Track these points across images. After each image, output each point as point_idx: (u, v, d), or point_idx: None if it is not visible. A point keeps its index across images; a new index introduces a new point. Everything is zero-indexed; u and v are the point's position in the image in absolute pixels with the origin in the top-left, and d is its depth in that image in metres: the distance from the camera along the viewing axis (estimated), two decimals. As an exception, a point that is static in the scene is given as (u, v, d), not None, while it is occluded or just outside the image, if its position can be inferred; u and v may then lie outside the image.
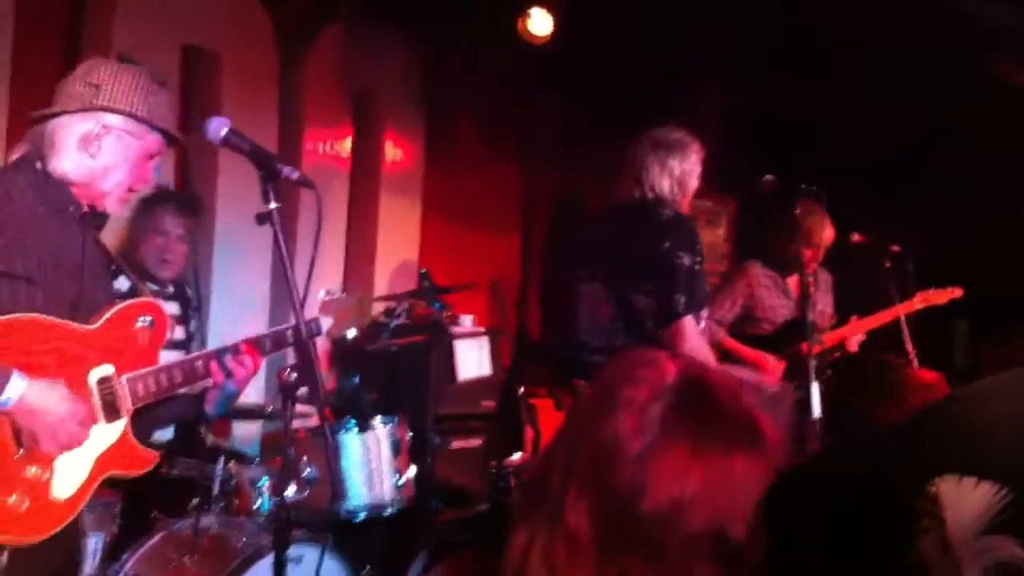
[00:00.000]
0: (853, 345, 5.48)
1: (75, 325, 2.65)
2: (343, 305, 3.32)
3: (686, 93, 6.82)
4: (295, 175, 2.60)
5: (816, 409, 4.35)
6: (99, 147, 2.66)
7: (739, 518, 1.15)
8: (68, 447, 2.56)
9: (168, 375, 2.78)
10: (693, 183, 3.99)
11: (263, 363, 3.01)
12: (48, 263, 2.61)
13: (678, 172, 3.95)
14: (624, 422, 1.18)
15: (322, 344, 3.64)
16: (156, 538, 3.56)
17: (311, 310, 2.74)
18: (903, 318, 5.32)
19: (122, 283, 3.31)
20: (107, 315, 2.73)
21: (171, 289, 4.20)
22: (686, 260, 3.84)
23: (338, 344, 4.10)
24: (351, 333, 3.38)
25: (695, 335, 3.86)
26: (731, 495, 1.15)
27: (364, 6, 5.78)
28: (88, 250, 2.76)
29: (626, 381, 1.22)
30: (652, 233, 3.85)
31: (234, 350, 2.87)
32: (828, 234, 5.35)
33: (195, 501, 3.62)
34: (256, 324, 5.34)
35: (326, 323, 3.24)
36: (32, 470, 2.52)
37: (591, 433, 1.19)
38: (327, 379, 5.05)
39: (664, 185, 3.94)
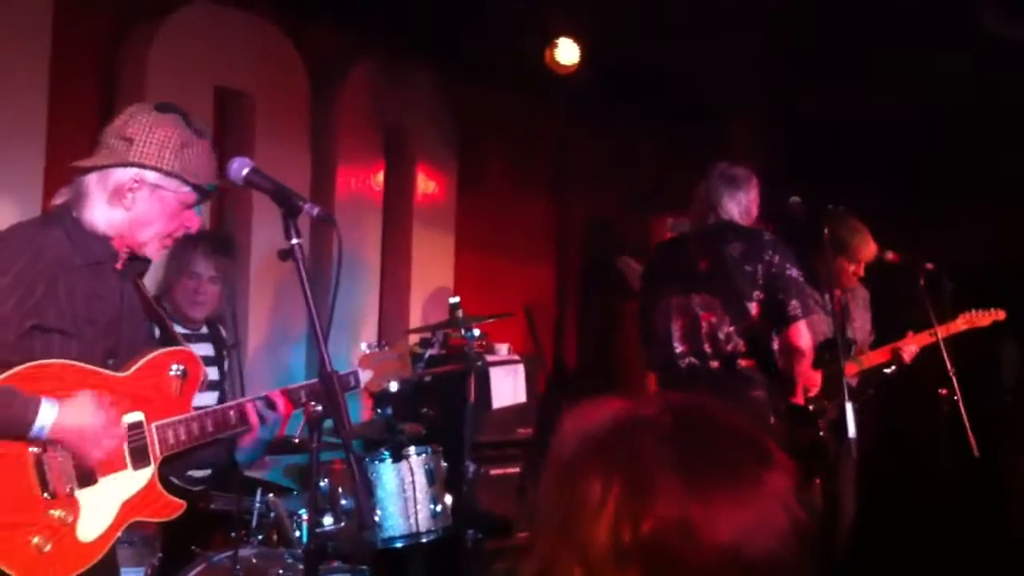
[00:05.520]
0: (907, 356, 5.41)
1: (107, 372, 2.70)
2: (384, 359, 3.35)
3: (717, 122, 6.85)
4: (315, 211, 2.64)
5: (851, 429, 4.37)
6: (133, 199, 2.69)
7: (785, 535, 1.11)
8: (111, 453, 2.62)
9: (199, 424, 2.81)
10: (755, 211, 4.66)
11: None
12: (82, 315, 2.65)
13: (744, 202, 4.60)
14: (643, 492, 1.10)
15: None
16: (196, 571, 3.61)
17: (335, 343, 2.77)
18: (941, 340, 5.26)
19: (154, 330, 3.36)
20: (140, 363, 2.78)
21: (205, 330, 4.23)
22: (794, 272, 4.50)
23: (378, 396, 4.13)
24: (393, 387, 3.40)
25: (809, 336, 4.46)
26: (768, 517, 1.10)
27: (394, 42, 5.86)
28: (127, 299, 2.81)
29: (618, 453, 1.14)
30: (758, 249, 4.46)
31: (267, 400, 2.92)
32: (871, 248, 5.37)
33: (234, 534, 3.67)
34: (294, 361, 5.42)
35: (365, 376, 3.27)
36: (57, 513, 2.57)
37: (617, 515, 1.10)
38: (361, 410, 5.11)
39: (735, 213, 4.55)
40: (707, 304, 4.53)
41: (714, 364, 4.52)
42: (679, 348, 4.58)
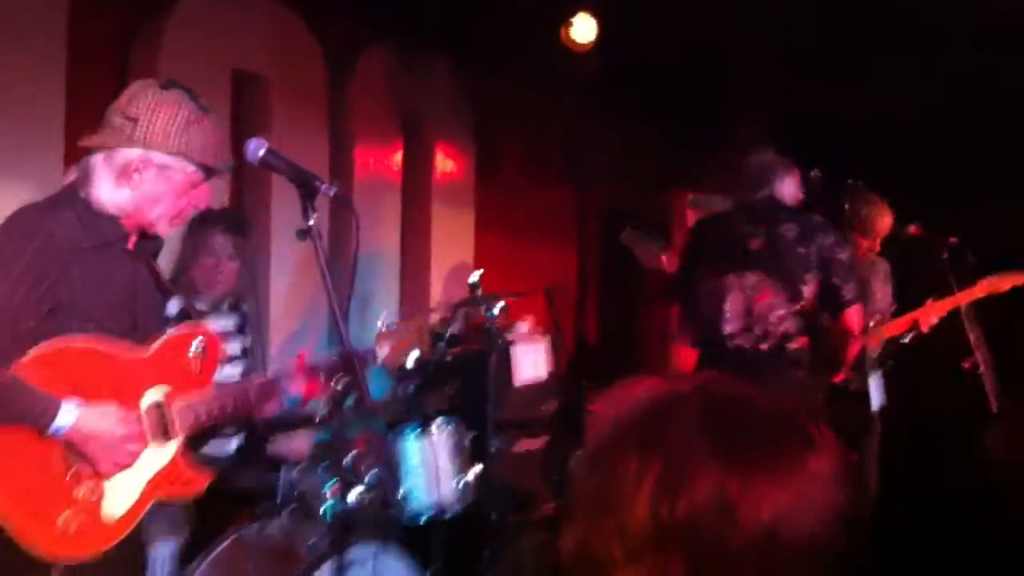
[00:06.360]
0: (925, 326, 5.40)
1: (128, 352, 2.72)
2: (401, 335, 3.37)
3: (733, 98, 6.83)
4: (332, 191, 2.63)
5: (875, 400, 4.38)
6: (140, 179, 2.68)
7: (826, 517, 1.10)
8: (125, 467, 2.64)
9: (220, 403, 2.85)
10: (799, 197, 4.71)
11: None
12: (97, 298, 2.66)
13: (793, 188, 4.66)
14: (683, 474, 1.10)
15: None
16: (225, 544, 3.65)
17: (356, 323, 2.81)
18: (963, 308, 5.24)
19: (173, 306, 3.39)
20: (159, 342, 2.79)
21: (226, 304, 4.25)
22: (845, 256, 4.51)
23: (396, 372, 4.18)
24: (410, 362, 3.43)
25: (862, 321, 4.55)
26: (809, 497, 1.09)
27: (409, 26, 5.87)
28: (140, 280, 2.82)
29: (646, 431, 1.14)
30: (811, 231, 4.48)
31: (287, 375, 2.97)
32: (886, 223, 5.35)
33: (262, 507, 3.72)
34: (316, 338, 5.46)
35: (382, 352, 3.30)
36: (82, 491, 2.60)
37: (653, 493, 1.11)
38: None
39: (786, 194, 4.60)
40: (760, 285, 4.51)
41: (764, 346, 4.50)
42: (729, 328, 4.54)
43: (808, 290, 4.49)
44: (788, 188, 4.65)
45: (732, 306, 4.54)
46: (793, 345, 4.48)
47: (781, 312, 4.48)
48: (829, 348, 4.52)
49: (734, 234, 4.63)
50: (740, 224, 4.64)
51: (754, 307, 4.51)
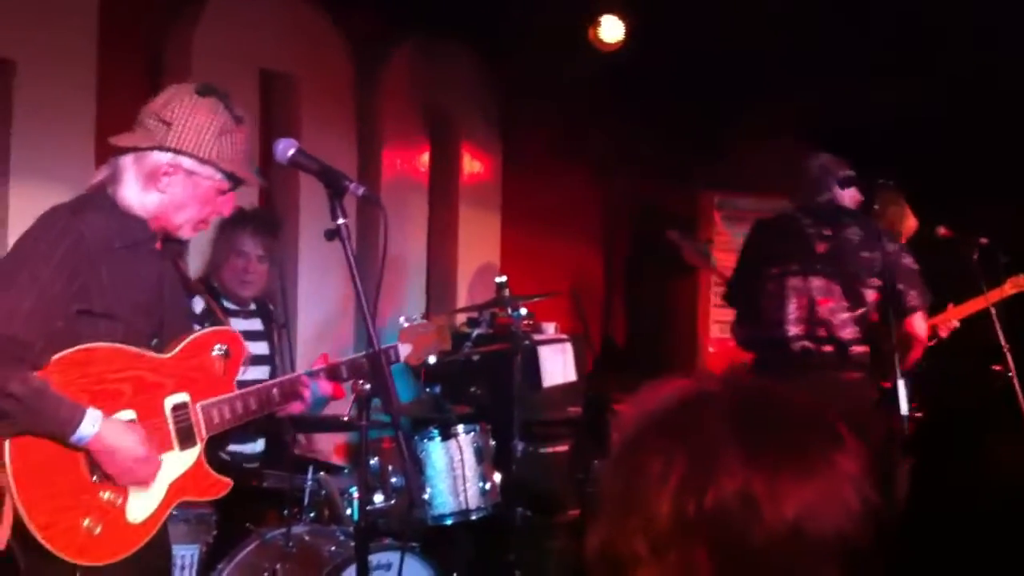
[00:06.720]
0: (944, 331, 5.35)
1: (151, 354, 2.72)
2: (423, 332, 3.37)
3: (761, 101, 6.78)
4: (360, 191, 2.62)
5: (904, 406, 4.32)
6: (167, 183, 2.68)
7: (854, 514, 1.09)
8: (140, 484, 2.64)
9: (243, 403, 2.84)
10: (859, 200, 4.64)
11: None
12: (125, 298, 2.66)
13: (852, 192, 4.60)
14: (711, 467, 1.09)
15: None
16: (250, 548, 3.67)
17: (382, 323, 2.80)
18: (993, 308, 5.17)
19: (197, 304, 3.39)
20: (183, 344, 2.79)
21: (253, 306, 4.27)
22: (910, 261, 4.48)
23: (419, 370, 4.18)
24: (432, 359, 3.43)
25: (925, 326, 4.52)
26: (836, 496, 1.08)
27: (436, 22, 5.86)
28: (167, 281, 2.83)
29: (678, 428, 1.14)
30: (875, 236, 4.45)
31: (311, 376, 2.97)
32: (910, 224, 5.29)
33: (287, 512, 3.72)
34: (342, 340, 5.47)
35: (405, 350, 3.30)
36: (106, 495, 2.60)
37: (677, 488, 1.09)
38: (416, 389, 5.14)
39: (847, 198, 4.57)
40: (825, 288, 4.48)
41: (828, 348, 4.48)
42: (793, 331, 4.50)
43: (871, 295, 4.46)
44: (848, 191, 4.61)
45: (796, 308, 4.51)
46: (857, 349, 4.45)
47: (844, 316, 4.45)
48: (888, 353, 4.46)
49: (800, 236, 4.59)
50: (806, 226, 4.60)
51: (818, 310, 4.48)
